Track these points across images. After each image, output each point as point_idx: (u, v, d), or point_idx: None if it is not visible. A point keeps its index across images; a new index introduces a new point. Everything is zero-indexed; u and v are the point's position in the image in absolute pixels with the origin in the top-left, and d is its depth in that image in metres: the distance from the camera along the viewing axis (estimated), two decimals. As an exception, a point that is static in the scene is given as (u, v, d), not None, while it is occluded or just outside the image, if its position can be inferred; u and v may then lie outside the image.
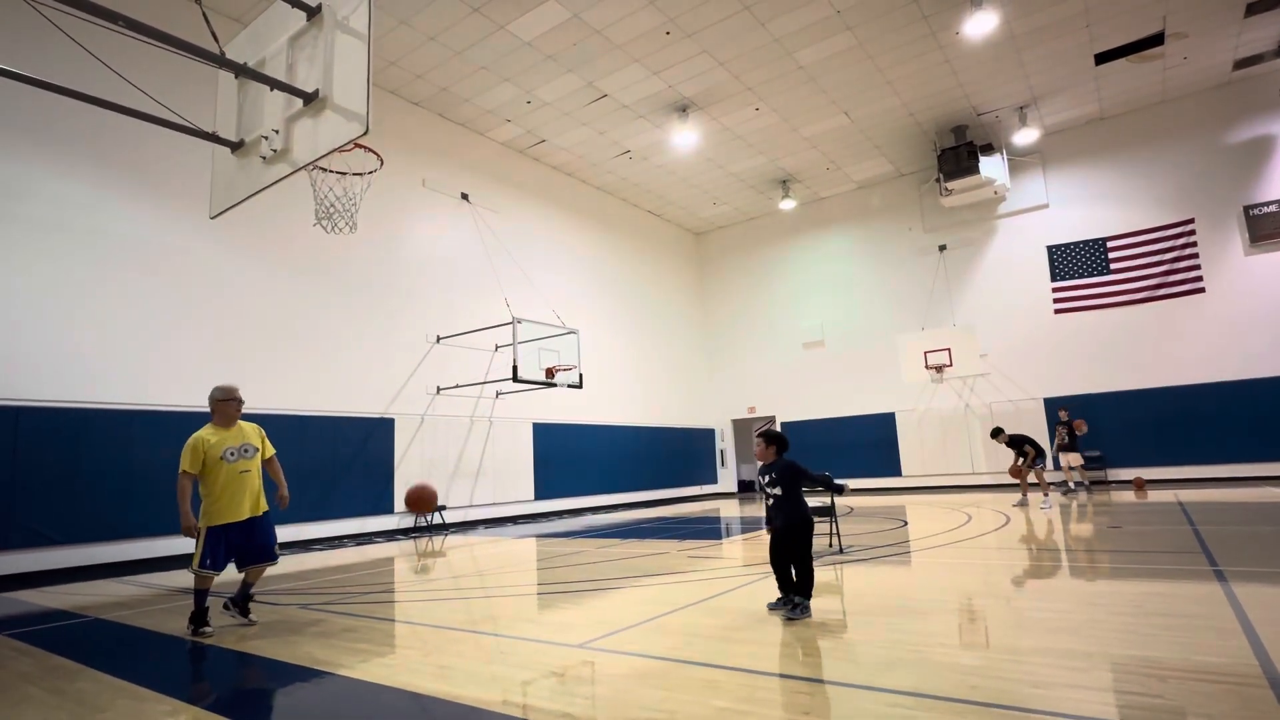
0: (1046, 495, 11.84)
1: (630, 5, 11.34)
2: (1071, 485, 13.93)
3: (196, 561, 4.71)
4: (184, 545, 9.48)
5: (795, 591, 4.42)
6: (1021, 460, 12.01)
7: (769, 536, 4.58)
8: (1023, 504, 11.92)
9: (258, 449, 5.04)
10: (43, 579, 7.96)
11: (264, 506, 5.03)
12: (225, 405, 4.95)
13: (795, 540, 4.42)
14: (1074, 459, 13.85)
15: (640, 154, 16.81)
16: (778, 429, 5.25)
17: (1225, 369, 14.64)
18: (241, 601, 4.95)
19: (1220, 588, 4.47)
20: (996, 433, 12.38)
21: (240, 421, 5.05)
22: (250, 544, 4.91)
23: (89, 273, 9.23)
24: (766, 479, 4.63)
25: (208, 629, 4.71)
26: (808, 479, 4.61)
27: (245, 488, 4.89)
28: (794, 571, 4.44)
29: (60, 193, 9.10)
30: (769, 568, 4.61)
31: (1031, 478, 12.32)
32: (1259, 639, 3.30)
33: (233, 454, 4.85)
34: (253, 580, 5.01)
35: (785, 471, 4.53)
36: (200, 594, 4.77)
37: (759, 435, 4.79)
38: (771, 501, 4.57)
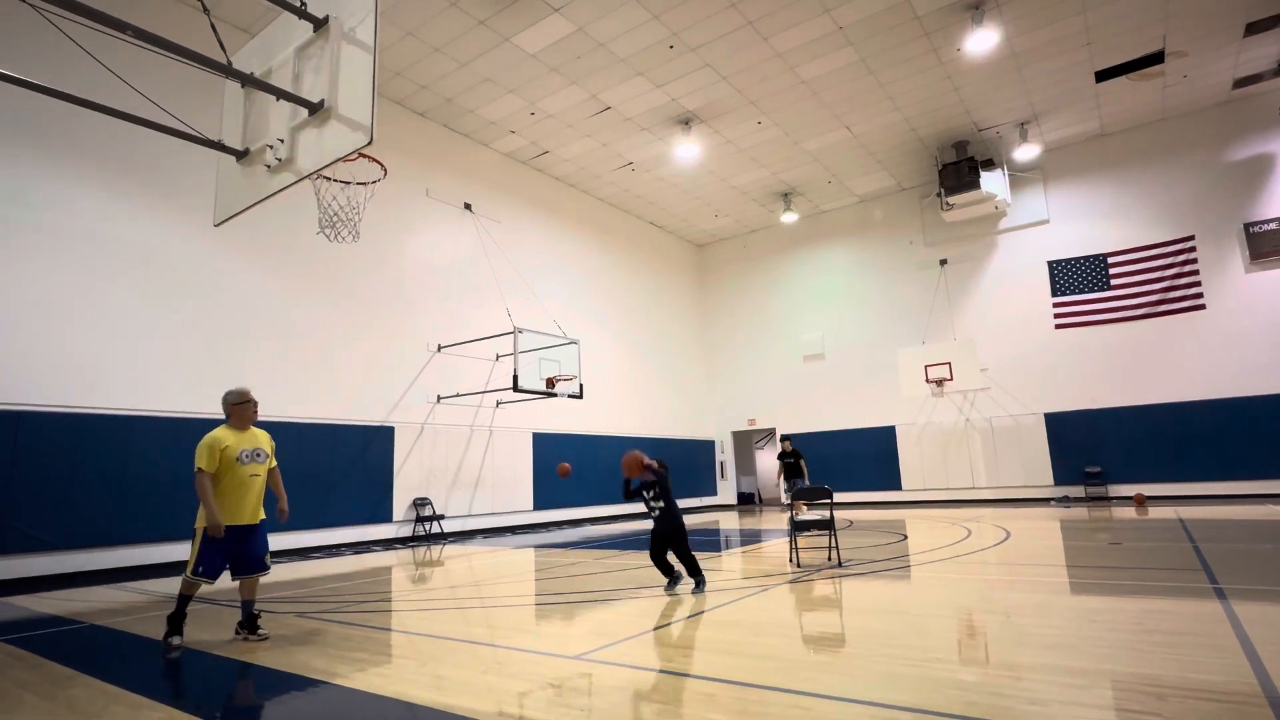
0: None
1: (634, 19, 11.44)
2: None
3: (190, 568, 4.56)
4: (182, 552, 9.46)
5: (690, 574, 5.70)
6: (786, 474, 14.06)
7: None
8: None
9: (268, 455, 4.97)
10: (39, 584, 7.94)
11: (262, 515, 4.92)
12: (243, 408, 4.88)
13: (676, 538, 5.73)
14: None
15: (643, 166, 16.89)
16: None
17: (1225, 386, 14.62)
18: (249, 622, 4.72)
19: (1220, 605, 4.45)
20: (785, 439, 14.32)
21: (253, 426, 4.98)
22: (247, 552, 4.75)
23: (90, 277, 9.26)
24: (650, 494, 5.79)
25: (178, 639, 4.55)
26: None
27: (252, 492, 4.80)
28: (677, 560, 5.76)
29: (61, 197, 9.14)
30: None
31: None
32: (1259, 657, 3.28)
33: (246, 457, 4.78)
34: (250, 595, 4.78)
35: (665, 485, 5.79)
36: (184, 599, 4.63)
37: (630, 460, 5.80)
38: (656, 512, 5.78)
